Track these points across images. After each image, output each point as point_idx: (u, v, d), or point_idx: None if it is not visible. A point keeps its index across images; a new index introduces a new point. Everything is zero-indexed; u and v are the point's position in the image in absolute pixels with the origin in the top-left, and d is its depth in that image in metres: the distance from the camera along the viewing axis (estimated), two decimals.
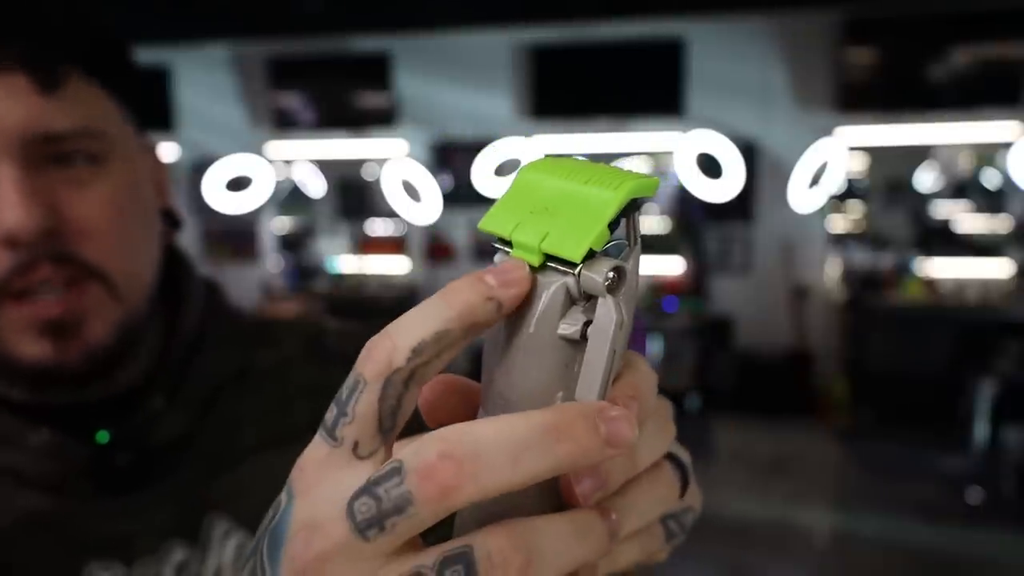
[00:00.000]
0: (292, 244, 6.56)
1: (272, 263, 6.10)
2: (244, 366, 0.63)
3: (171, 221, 0.62)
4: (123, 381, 0.57)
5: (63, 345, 0.51)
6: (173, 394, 0.58)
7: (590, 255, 0.25)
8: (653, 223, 5.87)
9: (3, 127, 0.48)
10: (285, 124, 5.79)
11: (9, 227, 0.47)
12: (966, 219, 5.72)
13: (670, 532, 0.32)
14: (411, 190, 5.21)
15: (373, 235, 6.56)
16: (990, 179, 5.74)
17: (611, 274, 0.25)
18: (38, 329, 0.50)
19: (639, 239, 0.27)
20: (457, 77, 5.45)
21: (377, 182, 5.68)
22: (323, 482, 0.25)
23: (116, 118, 0.55)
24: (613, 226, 0.26)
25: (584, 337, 0.25)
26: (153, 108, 5.60)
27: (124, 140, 0.55)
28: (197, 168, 5.35)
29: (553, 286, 0.26)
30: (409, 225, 5.78)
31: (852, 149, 5.02)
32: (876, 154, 5.75)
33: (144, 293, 0.56)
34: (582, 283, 0.25)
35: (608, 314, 0.25)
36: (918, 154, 5.50)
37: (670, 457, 0.31)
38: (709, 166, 4.82)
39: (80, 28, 0.53)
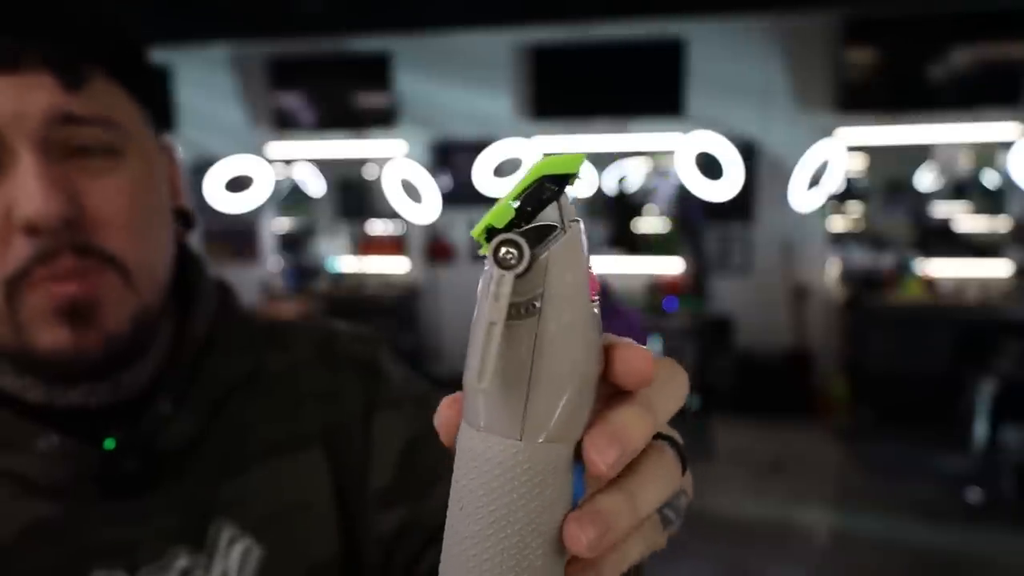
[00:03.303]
0: (292, 244, 6.55)
1: (272, 263, 6.10)
2: (254, 370, 0.63)
3: (185, 221, 0.62)
4: (132, 383, 0.57)
5: (81, 331, 0.51)
6: (182, 398, 0.57)
7: (497, 232, 0.25)
8: (653, 223, 5.88)
9: (25, 116, 0.48)
10: (285, 124, 5.78)
11: (30, 215, 0.48)
12: (966, 219, 5.72)
13: (666, 519, 0.32)
14: (411, 190, 5.21)
15: (373, 235, 6.56)
16: (990, 179, 5.74)
17: (504, 250, 0.25)
18: (55, 311, 0.50)
19: (568, 223, 0.26)
20: (457, 77, 5.45)
21: (377, 182, 5.68)
22: None
23: (135, 117, 0.55)
24: (531, 206, 0.25)
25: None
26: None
27: (141, 137, 0.55)
28: (197, 168, 5.35)
29: (484, 272, 0.26)
30: (409, 225, 5.78)
31: (852, 149, 5.03)
32: (876, 154, 5.75)
33: (158, 288, 0.56)
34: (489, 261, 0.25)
35: (483, 286, 0.25)
36: (918, 154, 5.49)
37: (665, 438, 0.31)
38: (709, 166, 4.82)
39: (104, 29, 0.53)
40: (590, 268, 0.27)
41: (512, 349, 0.26)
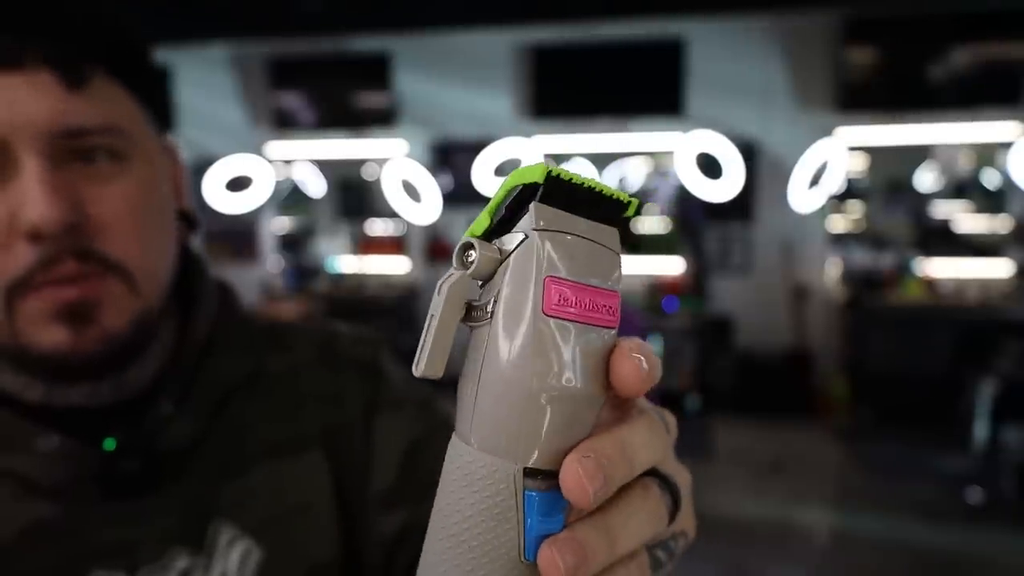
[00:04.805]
0: (292, 244, 6.56)
1: (272, 263, 6.10)
2: (255, 371, 0.63)
3: (188, 222, 0.62)
4: (133, 383, 0.57)
5: (80, 331, 0.51)
6: (183, 399, 0.57)
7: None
8: (653, 223, 5.87)
9: (28, 122, 0.48)
10: (285, 124, 5.79)
11: (34, 221, 0.48)
12: (966, 219, 5.72)
13: (656, 561, 0.31)
14: (411, 190, 5.21)
15: (373, 235, 6.56)
16: (990, 179, 5.74)
17: (464, 252, 0.26)
18: (55, 314, 0.50)
19: (532, 232, 0.26)
20: (457, 77, 5.45)
21: (377, 182, 5.68)
22: None
23: (138, 118, 0.55)
24: (506, 216, 0.26)
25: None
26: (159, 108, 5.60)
27: (144, 139, 0.55)
28: (197, 168, 5.35)
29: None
30: (409, 225, 5.78)
31: (852, 149, 5.03)
32: (876, 154, 5.75)
33: (160, 290, 0.56)
34: None
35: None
36: (918, 154, 5.49)
37: (660, 477, 0.30)
38: (709, 166, 4.82)
39: (105, 28, 0.53)
40: (583, 281, 0.26)
41: (473, 352, 0.26)
